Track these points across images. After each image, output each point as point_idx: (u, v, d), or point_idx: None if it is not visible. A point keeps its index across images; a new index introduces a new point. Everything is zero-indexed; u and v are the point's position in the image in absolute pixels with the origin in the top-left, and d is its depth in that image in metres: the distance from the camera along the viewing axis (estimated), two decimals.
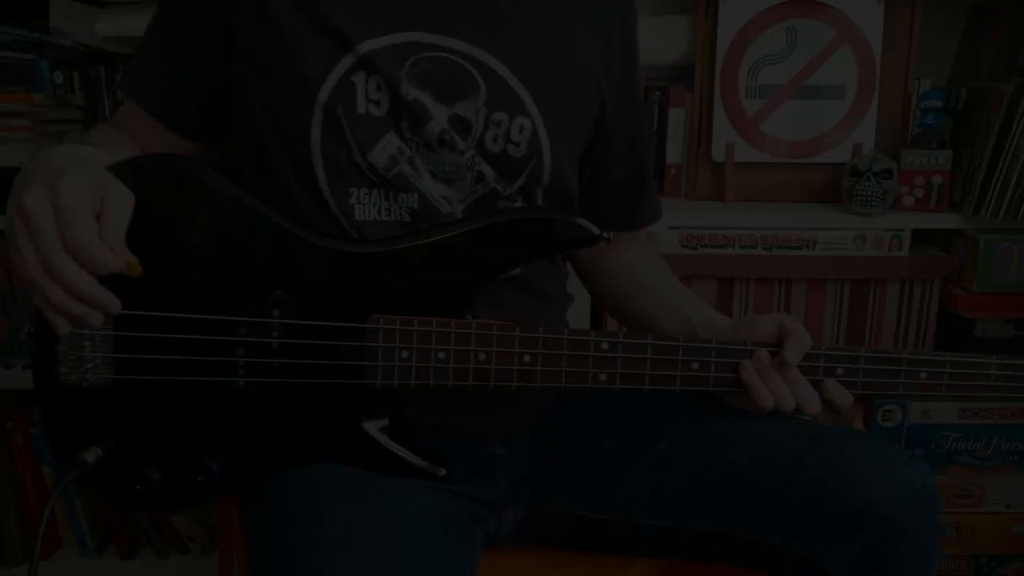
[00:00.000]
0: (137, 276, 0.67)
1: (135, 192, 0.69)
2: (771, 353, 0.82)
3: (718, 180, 1.47)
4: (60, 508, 1.57)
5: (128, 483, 0.82)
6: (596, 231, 0.81)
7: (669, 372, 0.82)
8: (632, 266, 1.02)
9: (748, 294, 1.39)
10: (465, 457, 0.87)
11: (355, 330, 0.79)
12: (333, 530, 0.74)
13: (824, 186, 1.45)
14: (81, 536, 1.58)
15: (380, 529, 0.75)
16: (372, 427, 0.83)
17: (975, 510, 1.48)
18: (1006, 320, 1.39)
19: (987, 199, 1.30)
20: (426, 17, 0.81)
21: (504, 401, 0.86)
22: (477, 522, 0.88)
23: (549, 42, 0.86)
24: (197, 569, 1.59)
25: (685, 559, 0.91)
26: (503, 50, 0.82)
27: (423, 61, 0.80)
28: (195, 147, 0.89)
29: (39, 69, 1.40)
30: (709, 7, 1.43)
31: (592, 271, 1.04)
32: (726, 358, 0.83)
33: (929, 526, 0.78)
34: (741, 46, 1.43)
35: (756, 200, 1.46)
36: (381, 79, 0.79)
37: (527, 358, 0.80)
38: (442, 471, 0.84)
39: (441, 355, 0.79)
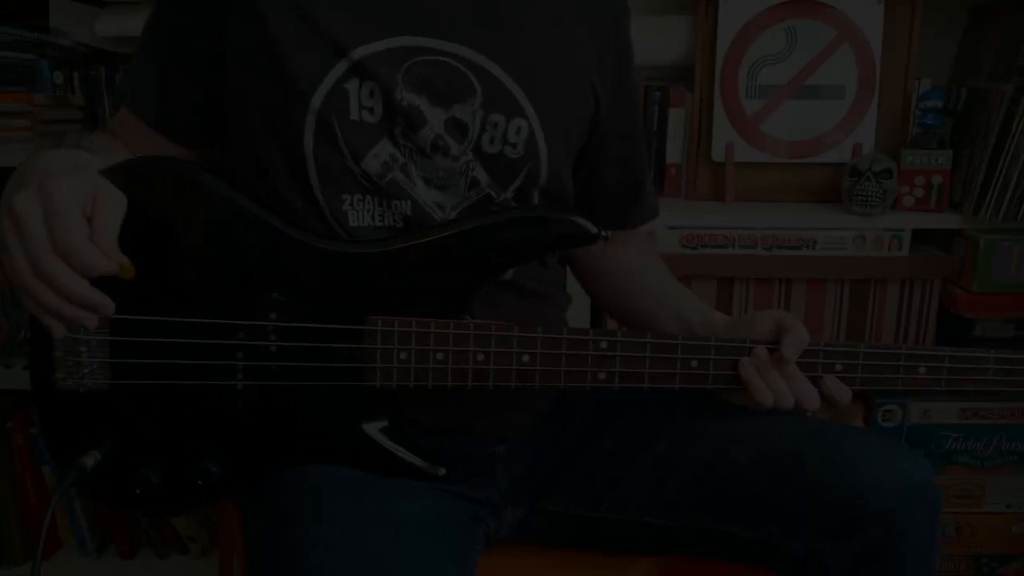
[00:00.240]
0: (131, 278, 0.67)
1: (129, 195, 0.69)
2: (769, 350, 0.82)
3: (718, 180, 1.47)
4: (60, 509, 1.57)
5: (127, 487, 0.82)
6: (593, 229, 0.81)
7: (668, 370, 0.82)
8: (631, 266, 1.02)
9: (748, 294, 1.39)
10: (464, 457, 0.87)
11: (353, 332, 0.79)
12: (333, 531, 0.74)
13: (824, 186, 1.45)
14: (81, 537, 1.58)
15: (380, 530, 0.75)
16: (371, 428, 0.83)
17: (975, 510, 1.48)
18: (1006, 320, 1.39)
19: (987, 199, 1.30)
20: (421, 21, 0.80)
21: (503, 401, 0.86)
22: (476, 522, 0.88)
23: (545, 43, 0.86)
24: (197, 569, 1.59)
25: (685, 557, 0.91)
26: (499, 53, 0.82)
27: (418, 65, 0.80)
28: (190, 154, 0.89)
29: (39, 69, 1.41)
30: (709, 7, 1.43)
31: (589, 271, 1.04)
32: (725, 355, 0.83)
33: (929, 520, 0.78)
34: (741, 46, 1.43)
35: (756, 200, 1.46)
36: (375, 85, 0.79)
37: (526, 358, 0.80)
38: (442, 471, 0.84)
39: (439, 356, 0.79)
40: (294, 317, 0.79)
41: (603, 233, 0.81)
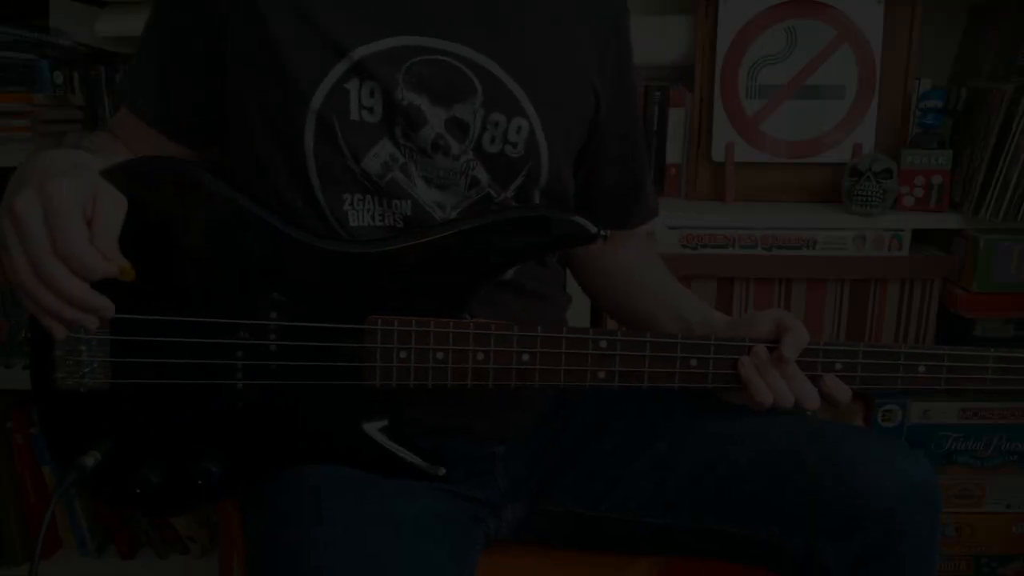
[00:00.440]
0: (131, 281, 0.67)
1: (129, 195, 0.69)
2: (769, 349, 0.82)
3: (718, 180, 1.47)
4: (60, 509, 1.57)
5: (127, 487, 0.82)
6: (593, 229, 0.81)
7: (668, 369, 0.82)
8: (630, 266, 1.02)
9: (748, 294, 1.39)
10: (464, 457, 0.87)
11: (353, 331, 0.79)
12: (333, 530, 0.74)
13: (824, 186, 1.45)
14: (81, 536, 1.58)
15: (379, 530, 0.75)
16: (371, 428, 0.83)
17: (975, 510, 1.48)
18: (1006, 320, 1.39)
19: (987, 199, 1.30)
20: (421, 21, 0.80)
21: (503, 401, 0.86)
22: (476, 522, 0.88)
23: (545, 43, 0.86)
24: (197, 569, 1.59)
25: (685, 557, 0.91)
26: (499, 52, 0.82)
27: (418, 65, 0.80)
28: (190, 154, 0.89)
29: (39, 69, 1.41)
30: (709, 7, 1.43)
31: (589, 271, 1.04)
32: (724, 355, 0.83)
33: (929, 519, 0.78)
34: (741, 46, 1.43)
35: (756, 200, 1.46)
36: (375, 85, 0.79)
37: (525, 357, 0.80)
38: (442, 471, 0.84)
39: (439, 355, 0.79)
40: (294, 317, 0.79)
41: (603, 233, 0.81)
